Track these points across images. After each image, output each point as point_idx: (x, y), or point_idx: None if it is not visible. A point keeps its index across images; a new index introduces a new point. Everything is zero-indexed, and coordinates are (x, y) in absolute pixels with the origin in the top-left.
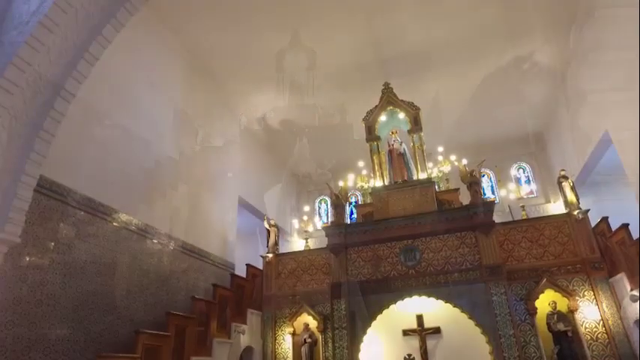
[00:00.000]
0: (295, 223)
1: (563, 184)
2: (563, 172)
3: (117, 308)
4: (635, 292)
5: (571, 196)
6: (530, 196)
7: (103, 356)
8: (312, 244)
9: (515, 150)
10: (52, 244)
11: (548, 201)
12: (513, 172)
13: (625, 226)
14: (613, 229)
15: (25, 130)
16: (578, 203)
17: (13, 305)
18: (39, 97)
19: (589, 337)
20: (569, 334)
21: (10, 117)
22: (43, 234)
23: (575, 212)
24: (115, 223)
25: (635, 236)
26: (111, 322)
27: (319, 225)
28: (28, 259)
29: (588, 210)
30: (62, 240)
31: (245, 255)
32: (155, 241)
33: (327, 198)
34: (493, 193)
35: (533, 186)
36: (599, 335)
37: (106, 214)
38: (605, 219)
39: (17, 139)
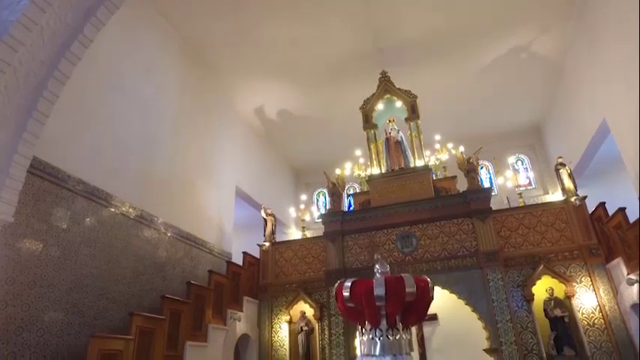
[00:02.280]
0: (292, 211)
1: (560, 171)
2: (560, 160)
3: (111, 293)
4: (632, 276)
5: (568, 183)
6: (529, 187)
7: (96, 336)
8: (310, 235)
9: (513, 142)
10: (46, 226)
11: (546, 192)
12: (511, 160)
13: (622, 210)
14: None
15: (18, 110)
16: (576, 190)
17: (6, 285)
18: (32, 77)
19: (586, 323)
20: (566, 319)
21: (2, 96)
22: (36, 215)
23: (573, 199)
24: (110, 208)
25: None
26: (105, 306)
27: (317, 215)
28: (21, 239)
29: (585, 196)
30: (56, 222)
31: (242, 246)
32: (151, 227)
33: (324, 190)
34: (491, 184)
35: (532, 176)
36: (595, 321)
37: (101, 198)
38: (602, 204)
39: (10, 118)
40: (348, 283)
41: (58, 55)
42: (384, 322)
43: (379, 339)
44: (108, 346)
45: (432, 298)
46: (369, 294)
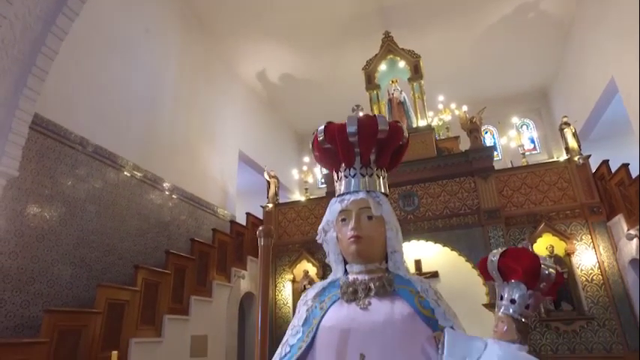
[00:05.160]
0: (295, 173)
1: (565, 130)
2: (565, 119)
3: (117, 249)
4: (632, 231)
5: (572, 143)
6: (533, 152)
7: (103, 286)
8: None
9: (519, 106)
10: (51, 182)
11: (551, 157)
12: (515, 121)
13: (625, 166)
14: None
15: (17, 66)
16: (580, 149)
17: (15, 237)
18: (29, 32)
19: (584, 279)
20: (565, 276)
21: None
22: (41, 171)
23: (576, 158)
24: (114, 167)
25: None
26: (112, 261)
27: (319, 177)
28: (27, 194)
29: (589, 155)
30: (60, 179)
31: (246, 210)
32: (155, 187)
33: None
34: (496, 149)
35: (536, 141)
36: (594, 277)
37: (105, 157)
38: (605, 162)
39: (9, 72)
40: (322, 127)
41: (54, 10)
42: (357, 160)
43: (353, 177)
44: (115, 296)
45: (407, 144)
46: (341, 132)
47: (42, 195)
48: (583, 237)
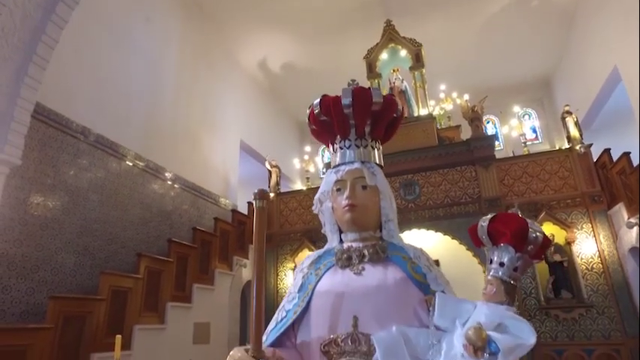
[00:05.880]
0: (296, 162)
1: (566, 119)
2: (567, 108)
3: (120, 238)
4: (632, 219)
5: (574, 132)
6: (535, 142)
7: (107, 273)
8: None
9: (521, 95)
10: (53, 171)
11: (553, 147)
12: (517, 110)
13: (626, 154)
14: None
15: (18, 54)
16: (582, 138)
17: (19, 225)
18: (29, 20)
19: (584, 268)
20: (565, 264)
21: (0, 39)
22: (44, 160)
23: (578, 147)
24: (116, 157)
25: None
26: (115, 250)
27: (321, 166)
28: (30, 183)
29: (591, 144)
30: (63, 168)
31: (247, 200)
32: (157, 176)
33: None
34: (498, 139)
35: (538, 130)
36: (594, 265)
37: (107, 146)
38: (607, 150)
39: (10, 62)
40: (317, 100)
41: None
42: (353, 132)
43: (348, 148)
44: (118, 284)
45: (400, 117)
46: (336, 104)
47: (45, 184)
48: (583, 226)
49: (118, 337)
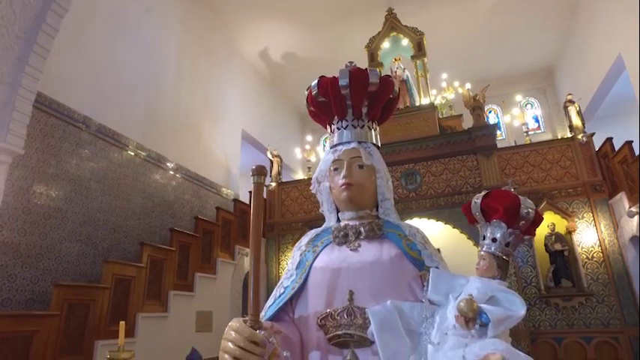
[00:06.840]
0: (298, 152)
1: (569, 108)
2: (569, 97)
3: (122, 227)
4: (633, 208)
5: (576, 121)
6: (537, 131)
7: (110, 262)
8: None
9: (524, 84)
10: (56, 160)
11: (555, 136)
12: (519, 99)
13: (628, 143)
14: None
15: (19, 44)
16: (584, 127)
17: (23, 214)
18: (29, 9)
19: (585, 257)
20: (566, 253)
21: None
22: (46, 150)
23: (580, 136)
24: (118, 147)
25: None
26: (117, 239)
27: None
28: (32, 172)
29: (593, 133)
30: (65, 157)
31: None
32: (159, 166)
33: None
34: (500, 129)
35: (540, 120)
36: (594, 254)
37: (109, 136)
38: (609, 140)
39: (11, 51)
40: (315, 81)
41: None
42: (350, 113)
43: (345, 128)
44: (121, 272)
45: (397, 98)
46: (334, 84)
47: (47, 173)
48: (584, 215)
49: (122, 323)
